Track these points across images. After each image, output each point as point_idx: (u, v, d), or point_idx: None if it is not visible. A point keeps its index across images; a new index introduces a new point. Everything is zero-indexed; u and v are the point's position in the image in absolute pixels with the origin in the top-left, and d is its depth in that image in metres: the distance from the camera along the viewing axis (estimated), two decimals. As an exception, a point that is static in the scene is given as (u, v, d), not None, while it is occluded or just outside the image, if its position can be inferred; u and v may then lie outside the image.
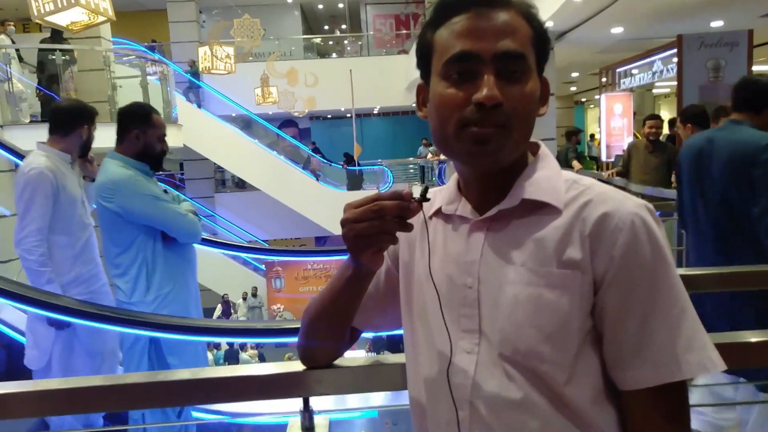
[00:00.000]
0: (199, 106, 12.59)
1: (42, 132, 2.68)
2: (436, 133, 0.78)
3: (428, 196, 0.77)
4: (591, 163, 12.74)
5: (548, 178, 0.78)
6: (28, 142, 2.96)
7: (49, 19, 3.94)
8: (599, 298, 0.74)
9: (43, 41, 7.91)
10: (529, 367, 0.74)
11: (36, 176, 2.40)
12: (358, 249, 0.78)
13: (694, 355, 0.72)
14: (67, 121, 2.57)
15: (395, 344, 7.83)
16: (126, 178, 2.26)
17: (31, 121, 7.48)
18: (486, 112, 0.72)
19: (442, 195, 0.87)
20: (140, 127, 2.32)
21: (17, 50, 8.33)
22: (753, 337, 1.13)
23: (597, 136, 11.47)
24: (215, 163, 13.83)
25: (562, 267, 0.73)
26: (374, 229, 0.75)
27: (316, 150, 14.49)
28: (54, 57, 7.66)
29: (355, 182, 13.54)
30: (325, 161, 14.47)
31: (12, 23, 8.79)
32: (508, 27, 0.74)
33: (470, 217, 0.81)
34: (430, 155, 13.75)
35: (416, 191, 0.77)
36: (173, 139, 9.28)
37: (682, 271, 1.59)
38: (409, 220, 0.76)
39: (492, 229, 0.79)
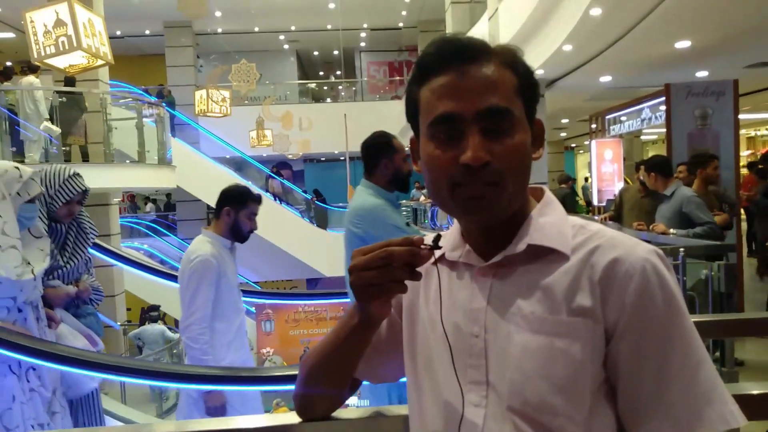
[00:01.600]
0: (174, 134, 12.51)
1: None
2: (431, 191, 0.78)
3: (440, 246, 0.75)
4: (583, 207, 12.87)
5: (554, 224, 0.77)
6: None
7: (48, 61, 3.98)
8: (611, 349, 0.71)
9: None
10: (541, 422, 0.70)
11: (201, 264, 2.43)
12: (366, 298, 0.76)
13: (714, 409, 0.68)
14: (217, 204, 2.62)
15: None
16: (377, 206, 2.32)
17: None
18: (474, 172, 0.71)
19: (444, 241, 0.84)
20: (387, 155, 2.39)
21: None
22: (755, 389, 1.09)
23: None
24: (207, 204, 13.82)
25: (572, 315, 0.71)
26: (383, 277, 0.72)
27: (278, 173, 14.32)
28: (62, 99, 7.74)
29: (322, 219, 13.47)
30: (290, 185, 14.29)
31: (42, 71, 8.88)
32: (489, 83, 0.72)
33: (475, 264, 0.78)
34: (422, 198, 13.82)
35: (427, 239, 0.75)
36: (167, 180, 9.30)
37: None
38: (419, 271, 0.74)
39: (498, 276, 0.76)
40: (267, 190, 13.38)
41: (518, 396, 0.71)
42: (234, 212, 2.58)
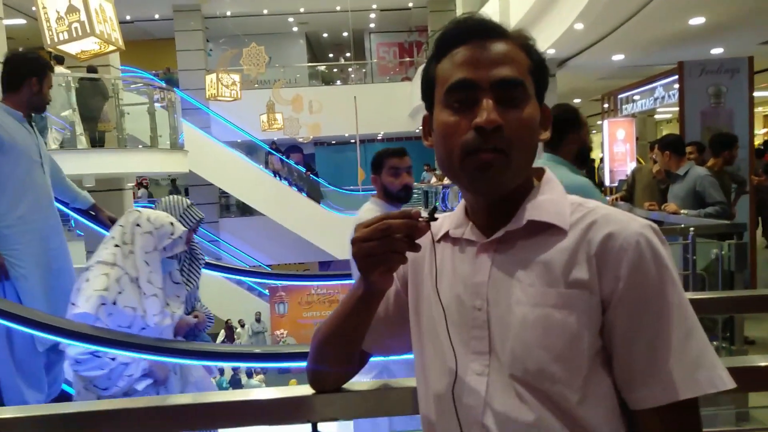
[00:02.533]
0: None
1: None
2: (442, 160, 0.80)
3: (436, 218, 0.78)
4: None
5: (553, 201, 0.80)
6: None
7: (60, 47, 4.01)
8: (607, 319, 0.74)
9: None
10: (541, 388, 0.74)
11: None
12: (368, 268, 0.79)
13: (703, 373, 0.72)
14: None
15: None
16: (586, 184, 2.29)
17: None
18: (486, 135, 0.74)
19: (449, 219, 0.88)
20: (574, 130, 2.35)
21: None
22: (762, 361, 1.11)
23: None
24: (220, 189, 13.92)
25: (569, 287, 0.74)
26: (383, 247, 0.76)
27: (277, 150, 14.23)
28: (75, 85, 7.80)
29: (315, 193, 13.53)
30: (289, 162, 14.23)
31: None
32: (505, 56, 0.77)
33: (477, 240, 0.82)
34: (434, 179, 13.80)
35: (424, 213, 0.78)
36: (179, 164, 9.37)
37: (691, 295, 1.59)
38: (417, 243, 0.77)
39: (499, 251, 0.80)
40: (267, 167, 13.34)
41: (519, 365, 0.74)
42: (378, 176, 2.57)
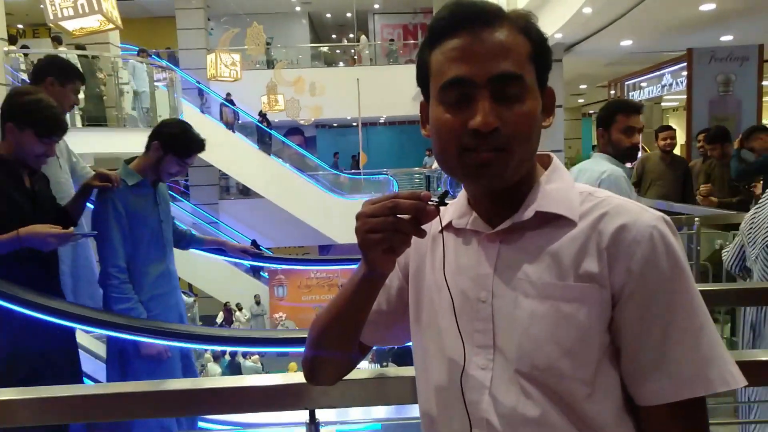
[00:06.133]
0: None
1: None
2: (438, 155, 0.77)
3: (446, 203, 0.75)
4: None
5: (561, 190, 0.77)
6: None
7: (60, 23, 3.95)
8: (617, 313, 0.72)
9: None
10: (548, 384, 0.71)
11: None
12: (369, 245, 0.73)
13: (714, 370, 0.70)
14: None
15: (401, 357, 7.76)
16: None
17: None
18: (483, 137, 0.71)
19: (452, 209, 0.84)
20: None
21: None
22: (764, 356, 1.12)
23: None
24: (220, 170, 13.87)
25: (579, 280, 0.71)
26: (387, 225, 0.71)
27: (231, 102, 13.72)
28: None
29: (266, 145, 13.45)
30: (242, 113, 13.83)
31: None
32: (502, 48, 0.71)
33: (482, 230, 0.79)
34: (435, 164, 13.73)
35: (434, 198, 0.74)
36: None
37: (700, 286, 1.56)
38: (423, 229, 0.73)
39: (505, 242, 0.77)
40: (221, 120, 13.12)
41: (526, 360, 0.72)
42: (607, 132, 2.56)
